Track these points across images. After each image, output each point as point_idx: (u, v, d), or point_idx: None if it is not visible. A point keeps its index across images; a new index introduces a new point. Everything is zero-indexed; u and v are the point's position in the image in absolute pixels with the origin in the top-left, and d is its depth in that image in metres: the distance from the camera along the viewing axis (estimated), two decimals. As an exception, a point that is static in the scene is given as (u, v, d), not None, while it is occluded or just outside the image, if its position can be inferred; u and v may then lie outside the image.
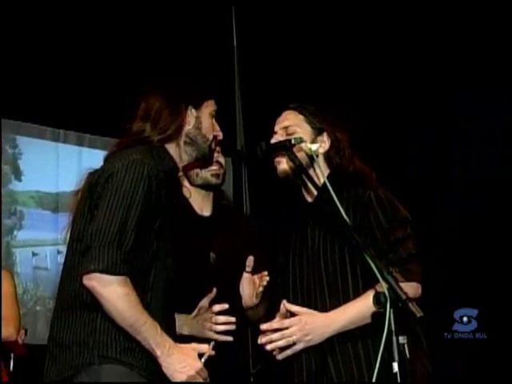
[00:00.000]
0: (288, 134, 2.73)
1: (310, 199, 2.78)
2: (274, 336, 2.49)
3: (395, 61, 5.63)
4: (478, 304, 4.68)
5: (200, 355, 2.37)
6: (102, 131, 5.90)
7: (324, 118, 2.79)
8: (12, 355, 3.89)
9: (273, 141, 2.73)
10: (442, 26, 5.42)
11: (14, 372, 3.85)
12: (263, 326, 2.53)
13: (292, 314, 2.56)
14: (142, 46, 5.82)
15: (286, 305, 2.55)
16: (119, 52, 5.77)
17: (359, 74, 5.70)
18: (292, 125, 2.76)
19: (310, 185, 2.65)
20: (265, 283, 2.86)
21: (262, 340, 2.50)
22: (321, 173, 2.62)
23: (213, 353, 2.41)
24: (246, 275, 2.92)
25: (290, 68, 5.95)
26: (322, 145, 2.74)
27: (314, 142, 2.73)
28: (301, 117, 2.77)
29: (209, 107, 2.62)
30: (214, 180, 3.06)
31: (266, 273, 2.88)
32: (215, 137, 2.66)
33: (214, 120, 2.65)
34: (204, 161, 2.71)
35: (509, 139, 5.25)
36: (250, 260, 2.88)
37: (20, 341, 3.66)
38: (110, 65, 5.72)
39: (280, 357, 2.54)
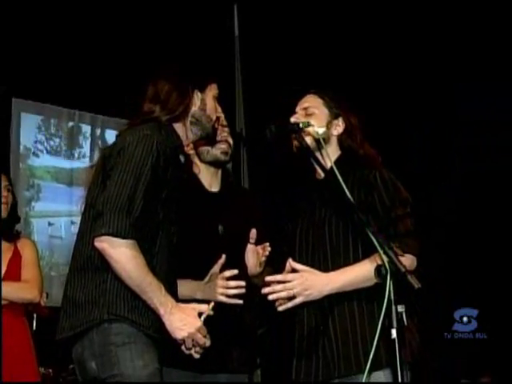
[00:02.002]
0: (307, 115, 2.77)
1: (320, 176, 2.80)
2: (277, 287, 2.51)
3: (393, 52, 5.56)
4: (477, 304, 4.59)
5: (199, 314, 2.40)
6: (114, 113, 5.96)
7: (341, 103, 2.82)
8: (35, 316, 3.93)
9: (293, 119, 2.76)
10: (440, 20, 5.35)
11: (36, 331, 3.87)
12: (268, 278, 2.55)
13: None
14: (151, 35, 5.84)
15: (291, 263, 2.57)
16: (129, 41, 5.81)
17: (358, 65, 5.64)
18: (311, 106, 2.79)
19: (316, 165, 2.67)
20: (267, 253, 2.90)
21: (265, 290, 2.52)
22: (327, 156, 2.65)
23: (211, 312, 2.44)
24: (250, 246, 2.95)
25: (289, 55, 5.90)
26: (336, 128, 2.78)
27: (329, 124, 2.77)
28: (320, 100, 2.80)
29: (212, 90, 2.67)
30: (222, 157, 3.07)
31: (267, 244, 2.92)
32: (218, 118, 2.70)
33: (216, 102, 2.69)
34: (208, 139, 2.76)
35: (507, 131, 5.18)
36: (253, 233, 2.91)
37: (42, 303, 3.68)
38: (122, 53, 5.77)
39: (281, 308, 2.56)
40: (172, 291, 2.43)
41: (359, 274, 2.55)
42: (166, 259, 2.46)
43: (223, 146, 3.07)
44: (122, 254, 2.27)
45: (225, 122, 3.10)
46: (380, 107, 5.51)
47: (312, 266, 2.65)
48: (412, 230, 2.61)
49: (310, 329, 2.67)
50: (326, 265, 2.66)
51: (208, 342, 2.39)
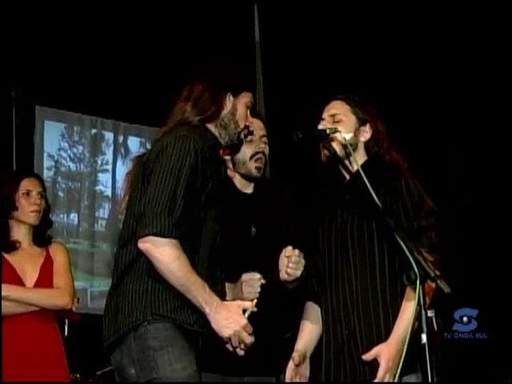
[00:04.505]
0: (335, 122, 2.76)
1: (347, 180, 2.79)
2: None
3: (419, 53, 5.53)
4: (478, 304, 4.52)
5: (243, 311, 2.42)
6: (136, 119, 6.04)
7: (368, 109, 2.81)
8: (66, 322, 3.94)
9: (320, 126, 2.75)
10: (479, 27, 5.31)
11: (67, 337, 3.89)
12: None
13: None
14: (172, 43, 5.88)
15: (366, 357, 2.56)
16: (150, 48, 5.83)
17: (384, 70, 5.60)
18: (339, 113, 2.78)
19: (343, 171, 2.71)
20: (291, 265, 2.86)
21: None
22: (354, 160, 2.65)
23: (255, 309, 2.46)
24: (282, 255, 2.92)
25: (311, 60, 5.88)
26: (363, 134, 2.78)
27: (357, 131, 2.76)
28: (347, 107, 2.79)
29: (245, 98, 2.64)
30: (255, 173, 3.07)
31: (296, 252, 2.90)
32: (247, 126, 2.65)
33: (248, 111, 2.65)
34: (232, 148, 2.74)
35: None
36: (290, 250, 2.82)
37: (74, 309, 3.69)
38: (144, 60, 5.79)
39: None
40: (215, 288, 2.44)
41: (407, 320, 2.50)
42: (208, 257, 2.48)
43: (259, 162, 3.06)
44: (166, 253, 2.30)
45: (262, 132, 3.08)
46: (415, 112, 5.51)
47: (335, 274, 2.71)
48: (435, 244, 2.60)
49: (337, 334, 2.70)
50: (349, 272, 2.68)
51: (253, 339, 2.39)
